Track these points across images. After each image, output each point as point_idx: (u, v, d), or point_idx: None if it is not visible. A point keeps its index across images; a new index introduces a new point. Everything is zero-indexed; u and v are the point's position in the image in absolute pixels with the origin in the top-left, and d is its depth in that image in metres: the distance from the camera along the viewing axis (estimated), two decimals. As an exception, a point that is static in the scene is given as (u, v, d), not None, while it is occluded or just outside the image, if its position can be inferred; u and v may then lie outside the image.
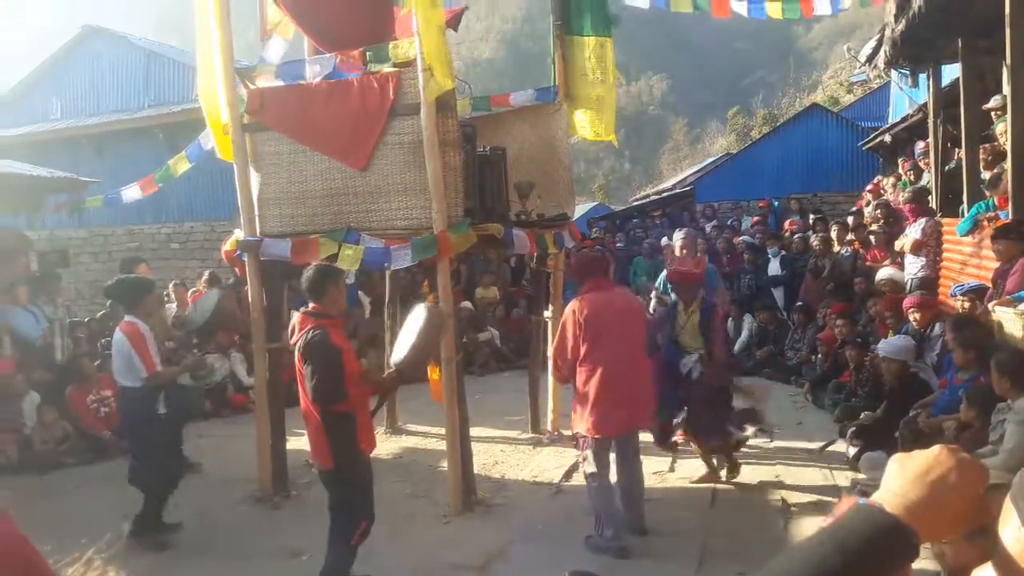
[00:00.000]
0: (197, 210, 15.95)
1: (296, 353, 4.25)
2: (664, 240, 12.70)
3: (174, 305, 10.24)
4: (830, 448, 6.44)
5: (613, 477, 5.06)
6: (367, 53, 5.70)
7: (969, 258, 7.10)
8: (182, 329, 9.43)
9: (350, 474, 4.27)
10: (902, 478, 0.92)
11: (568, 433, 7.07)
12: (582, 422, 4.91)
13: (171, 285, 10.74)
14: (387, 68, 5.66)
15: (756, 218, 15.00)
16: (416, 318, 4.56)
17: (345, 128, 5.65)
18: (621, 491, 5.09)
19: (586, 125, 7.24)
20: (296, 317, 4.39)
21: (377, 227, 5.70)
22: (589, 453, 4.93)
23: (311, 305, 4.33)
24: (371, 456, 4.49)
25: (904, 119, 13.02)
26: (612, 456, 5.05)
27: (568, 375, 5.07)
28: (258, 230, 6.04)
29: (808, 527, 4.90)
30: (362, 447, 4.29)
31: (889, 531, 0.86)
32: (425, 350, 4.63)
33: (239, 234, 6.20)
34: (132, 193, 8.28)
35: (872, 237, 9.86)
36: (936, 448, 0.94)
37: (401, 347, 4.55)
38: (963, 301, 6.33)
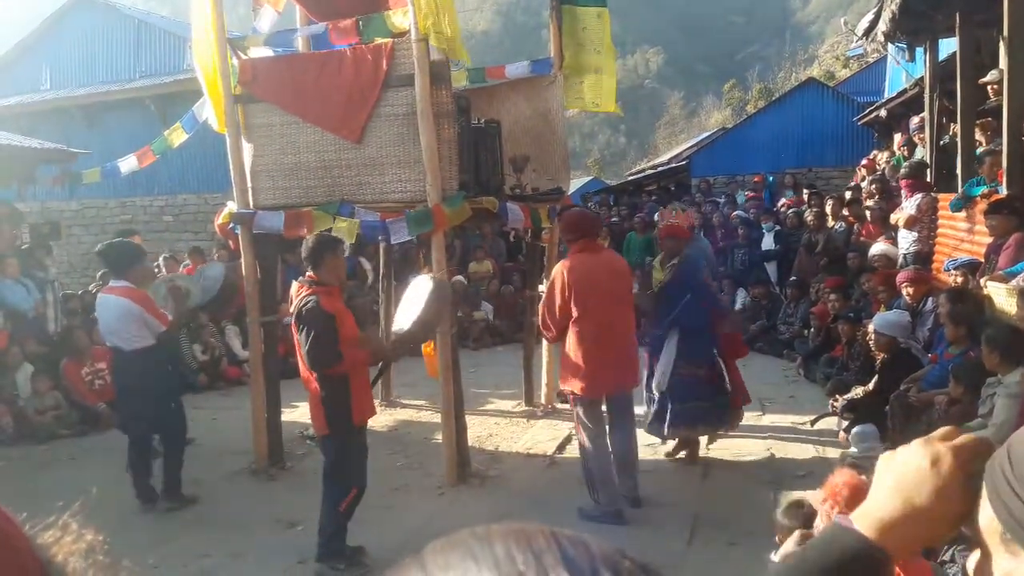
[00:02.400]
0: (190, 182, 15.79)
1: (292, 321, 4.30)
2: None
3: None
4: (821, 422, 6.49)
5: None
6: (359, 23, 5.62)
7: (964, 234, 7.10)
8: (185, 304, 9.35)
9: (343, 439, 4.33)
10: (881, 487, 0.89)
11: (560, 404, 7.13)
12: (572, 382, 4.99)
13: (161, 258, 10.67)
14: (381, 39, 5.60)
15: (750, 193, 14.97)
16: (420, 289, 4.56)
17: (338, 99, 5.59)
18: (616, 459, 5.14)
19: (584, 96, 7.17)
20: (294, 286, 4.43)
21: (371, 200, 5.66)
22: (581, 411, 5.00)
23: (308, 274, 4.36)
24: (366, 427, 4.53)
25: (900, 93, 12.95)
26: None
27: (557, 334, 5.12)
28: (251, 202, 6.01)
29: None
30: (357, 414, 4.34)
31: (856, 555, 0.86)
32: (431, 322, 4.65)
33: (232, 206, 6.15)
34: (129, 165, 8.19)
35: (868, 212, 9.87)
36: (914, 447, 0.89)
37: (404, 317, 4.55)
38: (956, 276, 6.35)
